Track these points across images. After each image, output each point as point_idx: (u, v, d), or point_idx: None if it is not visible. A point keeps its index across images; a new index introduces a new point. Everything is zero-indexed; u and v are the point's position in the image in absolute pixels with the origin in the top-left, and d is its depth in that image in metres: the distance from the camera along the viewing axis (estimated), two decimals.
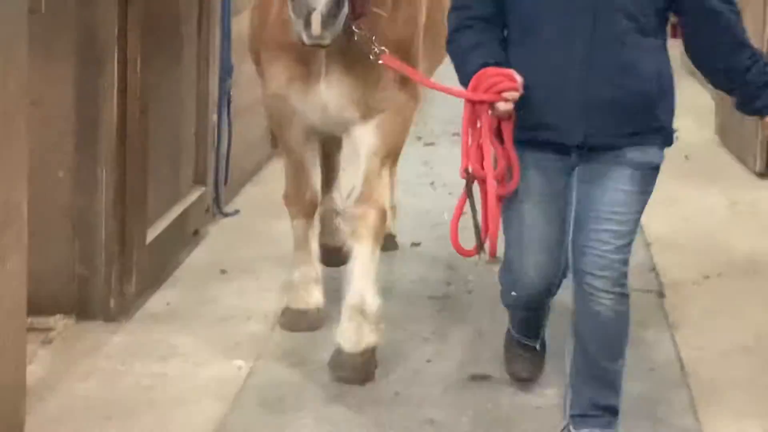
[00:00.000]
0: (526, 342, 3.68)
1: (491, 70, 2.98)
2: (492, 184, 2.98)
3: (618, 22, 3.03)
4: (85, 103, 4.26)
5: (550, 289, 3.30)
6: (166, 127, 4.94)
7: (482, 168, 2.98)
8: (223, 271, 4.91)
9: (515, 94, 2.94)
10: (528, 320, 3.60)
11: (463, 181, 3.09)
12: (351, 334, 3.75)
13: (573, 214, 3.16)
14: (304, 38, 3.26)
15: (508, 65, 3.03)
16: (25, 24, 3.30)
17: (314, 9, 3.17)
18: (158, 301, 4.69)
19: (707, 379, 4.01)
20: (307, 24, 3.20)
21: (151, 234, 4.77)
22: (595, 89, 3.03)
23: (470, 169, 3.00)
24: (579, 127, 3.04)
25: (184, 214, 5.28)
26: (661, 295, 4.67)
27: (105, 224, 4.31)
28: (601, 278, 3.08)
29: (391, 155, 3.99)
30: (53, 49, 4.11)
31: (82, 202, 4.34)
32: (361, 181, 3.86)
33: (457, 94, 3.06)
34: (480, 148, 3.00)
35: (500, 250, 3.13)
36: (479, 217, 3.08)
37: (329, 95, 3.65)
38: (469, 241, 3.10)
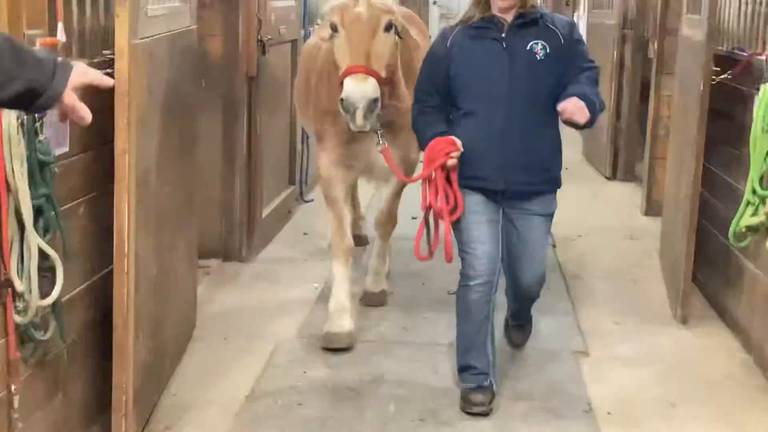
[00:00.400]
0: (474, 365, 3.61)
1: (441, 139, 3.41)
2: (447, 215, 3.37)
3: (525, 107, 3.42)
4: (228, 138, 5.22)
5: (492, 278, 3.50)
6: (272, 149, 5.70)
7: (437, 203, 3.38)
8: (305, 233, 5.90)
9: (457, 153, 3.36)
10: (478, 325, 3.57)
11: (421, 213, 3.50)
12: (372, 281, 4.64)
13: (506, 251, 3.60)
14: (351, 127, 3.62)
15: (452, 134, 3.43)
16: (197, 94, 4.10)
17: (358, 107, 3.52)
18: (269, 250, 5.62)
19: (583, 285, 5.12)
20: (353, 117, 3.55)
21: (265, 212, 5.64)
22: (509, 152, 3.42)
23: (430, 206, 3.40)
24: (500, 179, 3.45)
25: (283, 201, 6.14)
26: (554, 246, 5.66)
27: (239, 208, 5.29)
28: (534, 283, 3.68)
29: (400, 190, 4.48)
30: (210, 108, 4.99)
31: (225, 195, 5.28)
32: (385, 206, 4.49)
33: (422, 175, 3.43)
34: (436, 191, 3.38)
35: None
36: (432, 236, 3.48)
37: (377, 156, 3.93)
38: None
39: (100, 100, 3.04)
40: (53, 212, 2.82)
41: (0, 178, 2.61)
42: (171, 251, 3.67)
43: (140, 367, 3.22)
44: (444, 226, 3.39)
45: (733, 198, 4.27)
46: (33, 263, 2.71)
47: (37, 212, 2.74)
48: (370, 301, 4.65)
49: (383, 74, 3.66)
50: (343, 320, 4.16)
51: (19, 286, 2.70)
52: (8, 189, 2.64)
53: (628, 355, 4.24)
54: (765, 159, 3.71)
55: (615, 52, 8.14)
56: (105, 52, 3.22)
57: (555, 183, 3.60)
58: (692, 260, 4.57)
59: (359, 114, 3.53)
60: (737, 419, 3.63)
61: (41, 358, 2.96)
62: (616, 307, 4.85)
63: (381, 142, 3.81)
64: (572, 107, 3.35)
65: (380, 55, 3.66)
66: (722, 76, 4.44)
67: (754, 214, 3.80)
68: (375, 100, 3.58)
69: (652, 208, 6.67)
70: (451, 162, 3.37)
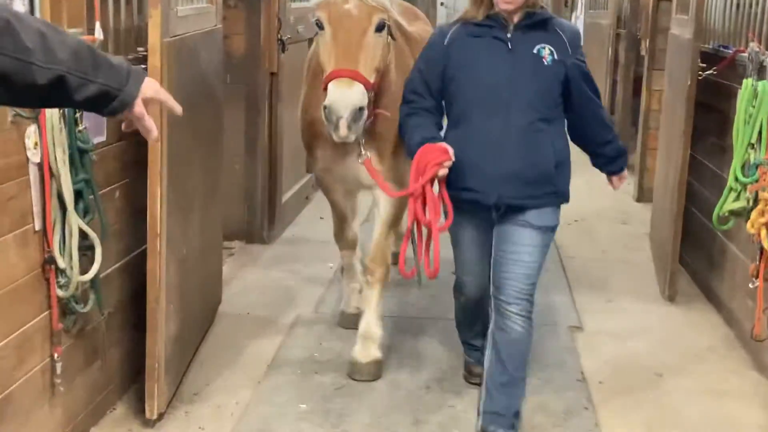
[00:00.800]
0: (473, 343, 3.51)
1: (431, 146, 2.88)
2: (436, 228, 2.87)
3: (526, 114, 2.92)
4: (250, 129, 5.21)
5: (483, 295, 3.19)
6: (291, 140, 5.31)
7: (425, 217, 2.89)
8: (321, 218, 5.59)
9: (449, 163, 2.85)
10: (473, 320, 3.42)
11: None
12: (361, 350, 3.66)
13: (493, 259, 3.07)
14: (334, 137, 3.04)
15: (442, 140, 2.96)
16: (222, 88, 4.09)
17: (341, 116, 2.95)
18: (288, 233, 5.64)
19: (578, 266, 5.11)
20: (336, 128, 2.97)
21: (285, 198, 5.68)
22: (506, 164, 2.92)
23: (417, 218, 2.91)
24: (494, 192, 2.94)
25: (301, 187, 6.17)
26: None
27: (260, 193, 5.31)
28: (515, 306, 2.99)
29: (396, 221, 3.77)
30: (234, 102, 4.94)
31: (248, 182, 5.27)
32: (374, 243, 3.68)
33: (410, 190, 2.89)
34: (424, 203, 2.89)
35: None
36: (416, 250, 3.02)
37: (361, 170, 3.34)
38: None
39: None
40: (92, 196, 2.88)
41: (44, 164, 2.67)
42: (198, 233, 3.71)
43: (171, 338, 3.27)
44: (433, 240, 2.91)
45: (717, 185, 4.28)
46: (74, 242, 2.77)
47: (78, 196, 2.80)
48: (359, 374, 3.63)
49: (372, 79, 3.08)
50: (356, 300, 3.96)
51: (62, 263, 2.76)
52: (51, 174, 2.70)
53: (619, 330, 4.27)
54: (747, 149, 3.73)
55: (610, 50, 8.16)
56: (139, 49, 3.27)
57: (559, 197, 3.04)
58: (679, 243, 4.60)
59: (343, 124, 2.97)
60: (719, 387, 3.67)
61: (81, 329, 3.03)
62: (609, 286, 4.89)
63: (363, 153, 3.25)
64: (621, 183, 3.24)
65: (370, 58, 3.05)
66: (708, 72, 4.46)
67: (737, 199, 3.81)
68: (361, 109, 3.01)
69: (643, 194, 6.68)
70: (443, 172, 2.87)
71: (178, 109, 1.87)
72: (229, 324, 4.18)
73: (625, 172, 3.20)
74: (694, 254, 4.95)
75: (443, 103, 3.09)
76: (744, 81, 3.81)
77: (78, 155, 2.76)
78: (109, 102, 1.62)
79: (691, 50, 4.37)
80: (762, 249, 3.53)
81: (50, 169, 2.68)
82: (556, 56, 2.95)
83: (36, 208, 2.67)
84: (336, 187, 3.76)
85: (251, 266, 5.06)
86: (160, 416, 3.23)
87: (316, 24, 3.11)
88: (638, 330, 4.28)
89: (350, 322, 3.97)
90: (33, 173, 2.64)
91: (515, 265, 3.01)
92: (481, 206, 3.00)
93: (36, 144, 2.62)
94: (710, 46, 4.88)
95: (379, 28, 3.10)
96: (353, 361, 3.65)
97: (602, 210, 6.49)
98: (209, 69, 3.77)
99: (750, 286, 3.64)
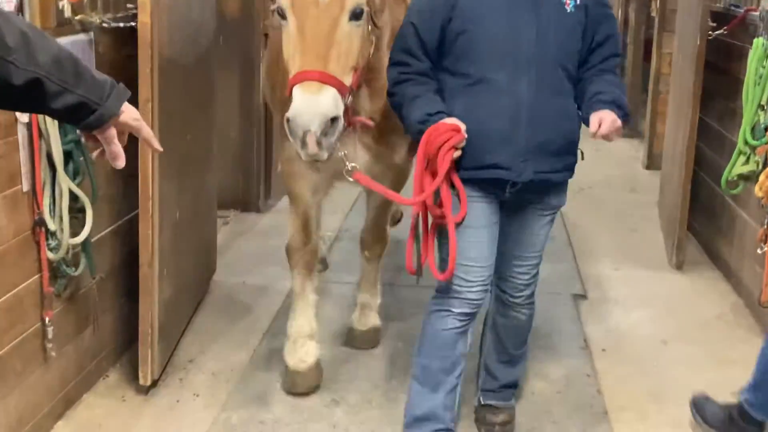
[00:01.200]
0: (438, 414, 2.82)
1: (442, 126, 2.54)
2: (451, 220, 2.59)
3: (553, 73, 2.63)
4: (245, 94, 5.20)
5: (481, 302, 2.77)
6: None
7: (438, 210, 2.62)
8: None
9: (463, 143, 2.56)
10: (447, 364, 2.79)
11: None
12: (362, 321, 3.68)
13: (502, 246, 2.80)
14: (302, 156, 2.54)
15: (447, 113, 2.59)
16: (215, 50, 4.05)
17: (309, 130, 2.46)
18: (284, 202, 4.82)
19: (584, 235, 5.12)
20: (303, 144, 2.49)
21: (280, 166, 5.08)
22: (539, 132, 2.61)
23: (425, 209, 2.63)
24: (527, 167, 2.62)
25: None
26: None
27: (256, 161, 5.35)
28: (520, 297, 2.87)
29: (390, 205, 3.58)
30: (228, 65, 4.94)
31: (243, 149, 5.29)
32: (371, 220, 3.56)
33: (427, 194, 2.57)
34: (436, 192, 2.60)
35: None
36: (421, 246, 2.72)
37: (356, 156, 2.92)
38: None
39: (125, 51, 3.16)
40: (82, 157, 2.93)
41: (32, 124, 2.72)
42: (192, 197, 3.76)
43: (165, 303, 3.33)
44: (449, 237, 2.60)
45: (727, 149, 4.33)
46: (64, 203, 2.83)
47: (67, 157, 2.85)
48: (358, 342, 3.68)
49: (348, 81, 2.59)
50: (307, 351, 3.33)
51: (52, 225, 2.82)
52: (40, 134, 2.75)
53: (624, 298, 4.33)
54: (757, 110, 3.77)
55: (620, 11, 8.14)
56: (129, 6, 3.30)
57: (572, 170, 2.79)
58: (687, 209, 4.65)
59: (311, 140, 2.48)
60: (726, 355, 3.73)
61: (72, 293, 3.10)
62: (616, 254, 4.94)
63: (350, 167, 2.80)
64: (608, 127, 2.54)
65: (344, 53, 2.56)
66: (718, 32, 4.48)
67: (746, 162, 3.87)
68: (334, 119, 2.51)
69: (653, 162, 6.74)
70: (456, 155, 2.57)
71: (156, 144, 1.86)
72: (224, 292, 4.25)
73: (618, 121, 2.58)
74: (703, 221, 5.00)
75: (444, 63, 2.67)
76: (755, 41, 3.84)
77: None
78: (86, 115, 1.62)
79: (700, 9, 4.39)
80: None
81: (39, 129, 2.73)
82: (578, 2, 2.65)
83: (24, 169, 2.72)
84: (306, 176, 3.18)
85: (246, 235, 5.12)
86: (154, 383, 3.31)
87: (278, 13, 2.62)
88: (644, 298, 4.35)
89: (299, 383, 3.32)
90: (21, 133, 2.70)
91: (529, 256, 2.84)
92: (499, 185, 2.66)
93: None
94: (721, 5, 4.89)
95: (355, 16, 2.59)
96: (352, 328, 3.69)
97: (610, 178, 6.55)
98: (201, 29, 3.79)
99: (758, 251, 3.69)
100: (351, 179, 2.80)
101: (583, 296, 4.37)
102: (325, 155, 2.56)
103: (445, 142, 2.53)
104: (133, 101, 3.13)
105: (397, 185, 3.27)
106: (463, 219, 2.64)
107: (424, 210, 2.65)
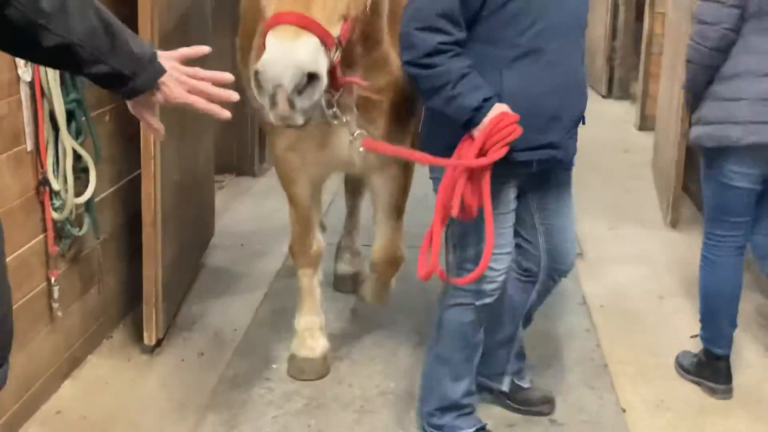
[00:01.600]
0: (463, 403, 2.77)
1: (506, 118, 2.25)
2: (490, 212, 2.31)
3: (581, 41, 2.50)
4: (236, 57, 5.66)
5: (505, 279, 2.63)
6: None
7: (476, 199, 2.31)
8: None
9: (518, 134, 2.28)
10: (473, 352, 2.71)
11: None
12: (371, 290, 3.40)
13: (544, 227, 2.65)
14: (272, 118, 2.16)
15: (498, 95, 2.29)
16: (208, 12, 4.07)
17: (279, 84, 2.07)
18: None
19: (579, 195, 4.65)
20: (272, 103, 2.12)
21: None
22: (576, 105, 2.48)
23: (467, 202, 2.31)
24: (572, 143, 2.49)
25: None
26: None
27: (250, 124, 5.38)
28: (570, 264, 2.76)
29: (403, 204, 3.08)
30: (220, 26, 4.65)
31: (237, 112, 5.28)
32: (382, 233, 3.08)
33: (486, 159, 2.26)
34: (473, 188, 2.31)
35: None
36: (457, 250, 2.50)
37: (351, 146, 2.56)
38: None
39: (124, 12, 3.14)
40: (84, 117, 2.95)
41: (35, 82, 2.73)
42: (191, 160, 3.78)
43: (168, 264, 3.36)
44: (486, 229, 2.33)
45: None
46: (68, 163, 2.85)
47: (69, 116, 2.87)
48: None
49: (335, 31, 2.19)
50: (316, 340, 3.22)
51: (56, 185, 2.84)
52: (42, 93, 2.76)
53: (620, 256, 4.40)
54: None
55: None
56: None
57: None
58: (682, 167, 4.70)
59: (282, 97, 2.10)
60: None
61: (77, 253, 3.12)
62: (611, 214, 4.99)
63: (356, 132, 2.50)
64: None
65: None
66: None
67: None
68: (312, 77, 2.11)
69: (645, 123, 6.78)
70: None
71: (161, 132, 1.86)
72: (224, 255, 4.29)
73: None
74: (697, 179, 4.98)
75: (479, 31, 2.34)
76: None
77: (69, 74, 2.81)
78: (119, 85, 1.65)
79: None
80: None
81: (41, 88, 2.75)
82: None
83: (28, 128, 2.74)
84: (303, 174, 2.92)
85: (242, 199, 5.15)
86: (159, 343, 3.35)
87: None
88: (640, 256, 4.41)
89: (306, 370, 3.20)
90: (24, 92, 2.71)
91: (571, 232, 2.74)
92: (526, 167, 2.44)
93: (27, 62, 2.67)
94: None
95: None
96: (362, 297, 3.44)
97: (603, 140, 6.58)
98: None
99: None
100: (361, 149, 2.44)
101: (580, 254, 4.42)
102: (300, 120, 2.16)
103: (505, 131, 2.26)
104: None
105: (404, 179, 2.92)
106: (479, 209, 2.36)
107: (448, 202, 2.32)
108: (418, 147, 2.50)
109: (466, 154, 2.29)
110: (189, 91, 1.72)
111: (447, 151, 2.34)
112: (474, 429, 2.75)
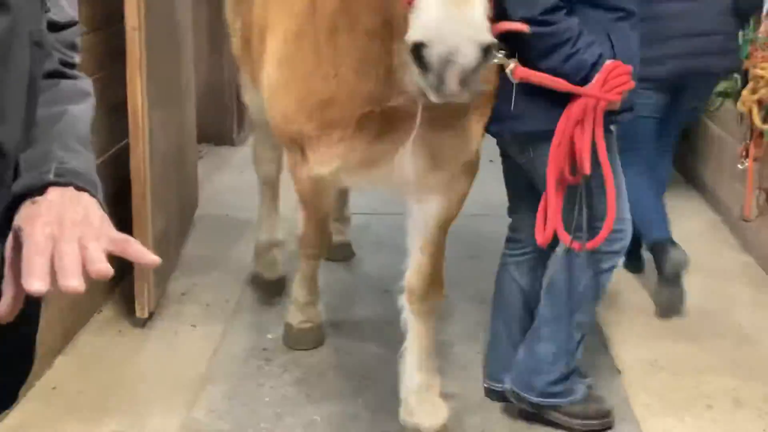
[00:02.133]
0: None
1: (620, 67, 2.27)
2: (610, 175, 2.29)
3: None
4: (214, 25, 5.08)
5: None
6: None
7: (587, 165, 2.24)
8: None
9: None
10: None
11: None
12: (427, 412, 2.65)
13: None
14: (432, 96, 1.84)
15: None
16: None
17: (456, 62, 1.72)
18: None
19: None
20: (439, 80, 1.77)
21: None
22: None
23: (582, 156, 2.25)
24: None
25: None
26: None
27: (227, 93, 5.33)
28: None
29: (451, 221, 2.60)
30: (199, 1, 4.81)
31: (215, 82, 5.28)
32: (422, 258, 2.57)
33: (583, 92, 2.24)
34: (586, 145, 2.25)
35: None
36: (584, 212, 2.34)
37: (414, 162, 2.29)
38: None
39: None
40: None
41: None
42: (176, 130, 3.73)
43: (157, 235, 3.32)
44: (607, 188, 2.30)
45: None
46: None
47: None
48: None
49: None
50: (316, 311, 3.20)
51: None
52: None
53: None
54: None
55: None
56: None
57: None
58: None
59: (454, 75, 1.75)
60: (709, 267, 3.86)
61: None
62: None
63: (510, 64, 2.21)
64: None
65: None
66: None
67: (725, 79, 3.91)
68: (489, 48, 1.77)
69: None
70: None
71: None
72: (209, 226, 4.25)
73: None
74: (678, 141, 5.06)
75: None
76: None
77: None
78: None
79: None
80: (752, 128, 3.65)
81: None
82: None
83: None
84: (332, 190, 2.67)
85: (223, 168, 5.11)
86: (150, 315, 3.31)
87: None
88: None
89: (302, 339, 3.18)
90: None
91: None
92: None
93: None
94: None
95: None
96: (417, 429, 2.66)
97: None
98: None
99: (739, 167, 3.78)
100: (515, 80, 2.23)
101: None
102: (467, 98, 1.87)
103: (618, 85, 2.27)
104: (120, 29, 3.10)
105: (466, 179, 2.50)
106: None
107: (562, 160, 2.28)
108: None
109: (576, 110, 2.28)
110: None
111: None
112: (586, 385, 2.78)
